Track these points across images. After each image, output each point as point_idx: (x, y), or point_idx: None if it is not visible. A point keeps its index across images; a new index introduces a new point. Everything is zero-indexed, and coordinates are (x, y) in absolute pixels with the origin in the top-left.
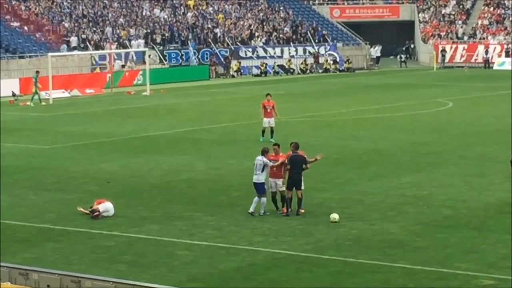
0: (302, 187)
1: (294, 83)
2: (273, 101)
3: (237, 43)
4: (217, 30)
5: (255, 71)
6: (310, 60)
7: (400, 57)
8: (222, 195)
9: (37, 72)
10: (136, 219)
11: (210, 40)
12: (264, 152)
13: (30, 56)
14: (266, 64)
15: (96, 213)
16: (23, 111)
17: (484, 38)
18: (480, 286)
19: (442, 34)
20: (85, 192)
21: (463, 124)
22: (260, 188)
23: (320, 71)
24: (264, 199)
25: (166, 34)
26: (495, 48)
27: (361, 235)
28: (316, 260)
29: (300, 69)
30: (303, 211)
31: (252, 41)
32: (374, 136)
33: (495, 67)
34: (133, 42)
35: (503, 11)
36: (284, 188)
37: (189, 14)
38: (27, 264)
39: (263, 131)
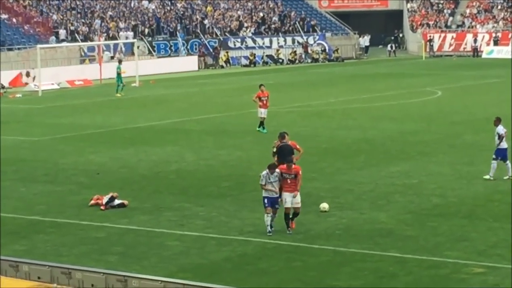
0: None
1: (283, 73)
2: (267, 91)
3: (226, 33)
4: (206, 21)
5: (244, 61)
6: (299, 50)
7: (391, 46)
8: (212, 185)
9: (120, 61)
10: (126, 210)
11: (198, 31)
12: (270, 167)
13: (18, 49)
14: (255, 54)
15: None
16: (12, 103)
17: (472, 27)
18: (470, 274)
19: (431, 23)
20: (74, 184)
21: (452, 113)
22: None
23: (309, 61)
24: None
25: (155, 25)
26: (483, 36)
27: (351, 224)
28: (307, 249)
29: (289, 59)
30: None
31: (241, 32)
32: (363, 126)
33: (484, 55)
34: (121, 33)
35: None
36: (300, 205)
37: (178, 5)
38: (17, 256)
39: (261, 123)
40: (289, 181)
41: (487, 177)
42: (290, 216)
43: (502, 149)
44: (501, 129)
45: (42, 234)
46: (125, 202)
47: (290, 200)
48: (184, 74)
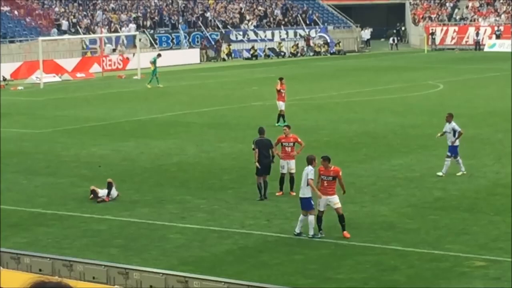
0: (293, 170)
1: (285, 66)
2: (285, 84)
3: (228, 26)
4: (207, 14)
5: (246, 54)
6: (301, 43)
7: (393, 40)
8: (213, 178)
9: (159, 55)
10: (128, 202)
11: (200, 24)
12: (312, 160)
13: (20, 41)
14: (257, 47)
15: (99, 199)
16: (14, 95)
17: (474, 20)
18: (471, 267)
19: (433, 16)
20: (76, 176)
21: (454, 106)
22: (304, 204)
23: (311, 54)
24: (311, 218)
25: (157, 18)
26: (485, 30)
27: (352, 217)
28: (308, 242)
29: (291, 52)
30: (294, 194)
31: (243, 25)
32: (365, 119)
33: (486, 49)
34: (123, 26)
35: None
36: (340, 205)
37: None
38: (19, 249)
39: (280, 115)
40: (325, 184)
41: (440, 174)
42: (322, 220)
43: (454, 146)
44: (456, 125)
45: (44, 227)
46: (108, 180)
47: (324, 203)
48: (186, 67)
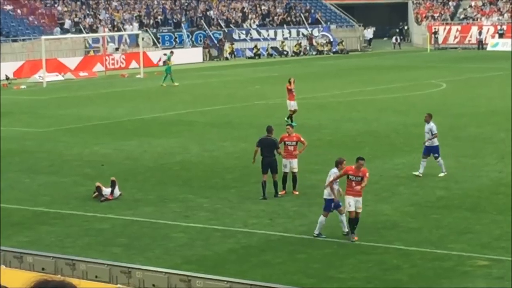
0: (295, 169)
1: (288, 65)
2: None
3: (231, 25)
4: (210, 13)
5: (249, 53)
6: (304, 42)
7: (396, 39)
8: (216, 177)
9: (172, 52)
10: (131, 201)
11: (203, 23)
12: (338, 163)
13: (23, 40)
14: (260, 46)
15: (103, 198)
16: (17, 94)
17: (477, 19)
18: (474, 266)
19: (436, 15)
20: (79, 175)
21: (456, 105)
22: (325, 204)
23: (314, 53)
24: (322, 218)
25: (160, 17)
26: (488, 29)
27: None
28: (311, 241)
29: (294, 51)
30: (297, 193)
31: (246, 24)
32: (367, 118)
33: (489, 48)
34: (126, 25)
35: None
36: (361, 210)
37: None
38: (22, 247)
39: (291, 114)
40: (354, 184)
41: (416, 173)
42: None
43: (434, 146)
44: (434, 127)
45: (47, 225)
46: (112, 178)
47: (354, 203)
48: (189, 66)
